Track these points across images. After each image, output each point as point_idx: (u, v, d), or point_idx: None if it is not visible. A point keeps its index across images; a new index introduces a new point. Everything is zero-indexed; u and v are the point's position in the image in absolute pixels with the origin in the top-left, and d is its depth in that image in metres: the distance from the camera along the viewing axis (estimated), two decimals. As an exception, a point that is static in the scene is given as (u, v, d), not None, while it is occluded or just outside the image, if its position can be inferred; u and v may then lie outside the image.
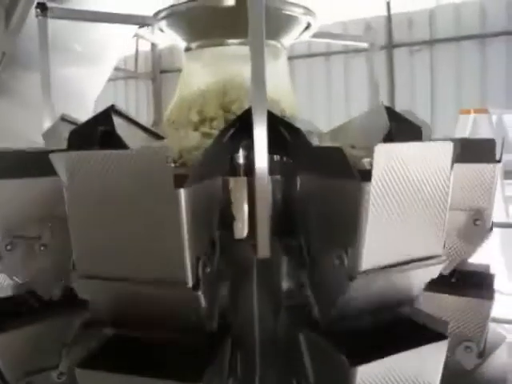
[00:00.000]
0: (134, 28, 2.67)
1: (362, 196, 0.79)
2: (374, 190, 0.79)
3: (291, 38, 1.61)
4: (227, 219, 1.01)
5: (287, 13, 1.47)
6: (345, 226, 0.84)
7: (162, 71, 8.10)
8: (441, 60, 6.02)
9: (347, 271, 0.81)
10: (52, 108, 1.41)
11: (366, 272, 0.80)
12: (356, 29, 6.51)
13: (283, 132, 1.01)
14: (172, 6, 1.42)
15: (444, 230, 0.87)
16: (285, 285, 1.04)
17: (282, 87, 1.57)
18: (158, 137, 1.25)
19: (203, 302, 0.81)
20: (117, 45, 3.11)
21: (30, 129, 1.82)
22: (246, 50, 1.50)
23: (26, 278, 1.10)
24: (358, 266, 0.79)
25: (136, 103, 8.49)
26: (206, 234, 0.90)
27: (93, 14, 1.51)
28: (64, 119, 1.42)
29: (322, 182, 0.91)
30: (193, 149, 1.09)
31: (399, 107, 5.37)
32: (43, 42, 1.37)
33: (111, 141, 1.04)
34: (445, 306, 1.13)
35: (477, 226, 1.15)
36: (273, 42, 1.52)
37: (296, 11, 1.49)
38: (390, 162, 0.79)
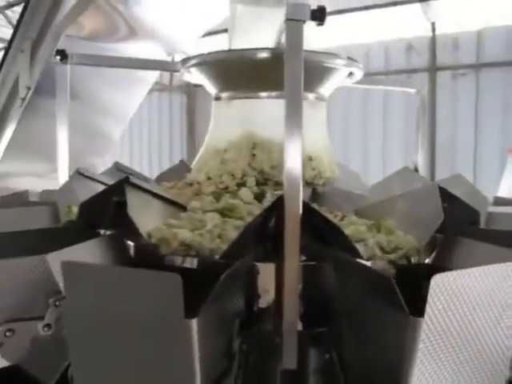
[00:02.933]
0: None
1: (411, 333, 0.64)
2: (427, 326, 0.64)
3: (331, 89, 1.48)
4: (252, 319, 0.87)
5: (328, 65, 1.34)
6: (387, 362, 0.69)
7: (196, 85, 8.09)
8: (487, 86, 5.72)
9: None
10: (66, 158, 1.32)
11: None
12: (398, 49, 6.31)
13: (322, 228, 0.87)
14: (201, 54, 1.31)
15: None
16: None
17: (320, 144, 1.43)
18: (178, 206, 1.13)
19: None
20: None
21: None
22: (279, 104, 1.40)
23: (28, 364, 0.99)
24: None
25: (169, 116, 8.49)
26: (223, 354, 0.77)
27: (116, 59, 1.42)
28: (80, 173, 1.34)
29: (363, 300, 0.76)
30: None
31: (440, 134, 5.14)
32: (63, 88, 1.29)
33: (122, 219, 0.93)
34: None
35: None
36: (311, 95, 1.39)
37: (338, 63, 1.36)
38: (448, 293, 0.64)
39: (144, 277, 0.66)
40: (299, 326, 0.82)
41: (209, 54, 1.32)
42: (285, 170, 0.82)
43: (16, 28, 1.89)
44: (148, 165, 8.76)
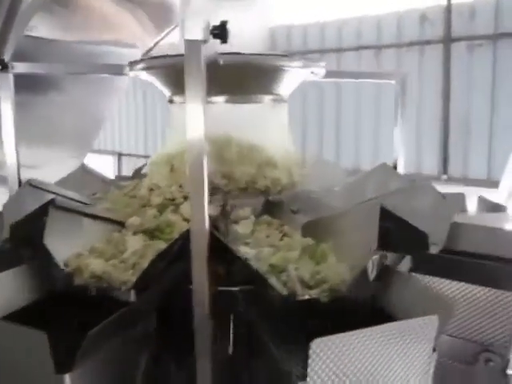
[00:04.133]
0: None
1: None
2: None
3: (290, 89, 1.40)
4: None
5: (282, 68, 1.26)
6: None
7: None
8: (506, 57, 5.42)
9: None
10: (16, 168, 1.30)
11: None
12: (410, 20, 6.01)
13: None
14: (150, 58, 1.25)
15: None
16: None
17: (278, 148, 1.36)
18: (116, 223, 1.09)
19: None
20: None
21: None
22: (232, 108, 1.34)
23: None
24: None
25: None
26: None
27: (62, 66, 1.37)
28: (31, 184, 1.31)
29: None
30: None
31: (454, 109, 4.92)
32: (7, 97, 1.25)
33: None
34: None
35: None
36: (268, 97, 1.32)
37: (292, 65, 1.28)
38: (330, 356, 0.59)
39: (14, 331, 0.64)
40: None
41: (156, 57, 1.26)
42: (191, 203, 0.78)
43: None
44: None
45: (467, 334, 0.97)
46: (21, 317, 0.79)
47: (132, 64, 1.27)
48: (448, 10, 5.74)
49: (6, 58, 1.58)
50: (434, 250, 1.07)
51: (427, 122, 6.00)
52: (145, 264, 0.86)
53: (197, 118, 0.77)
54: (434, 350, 0.68)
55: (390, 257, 1.07)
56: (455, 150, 6.01)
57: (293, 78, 1.32)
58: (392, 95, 1.72)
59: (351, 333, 0.58)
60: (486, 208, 1.58)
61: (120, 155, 10.39)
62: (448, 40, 5.80)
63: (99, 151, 9.83)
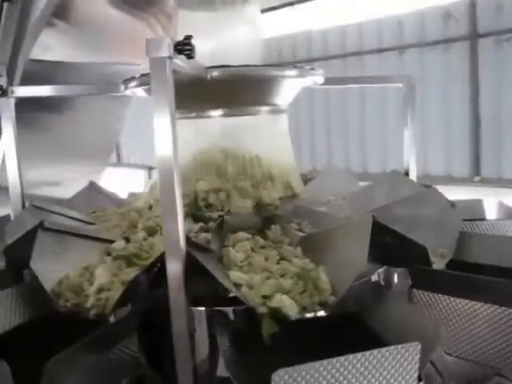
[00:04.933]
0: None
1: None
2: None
3: (288, 98, 1.37)
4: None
5: (278, 78, 1.23)
6: None
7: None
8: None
9: None
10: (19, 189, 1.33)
11: None
12: (433, 18, 5.85)
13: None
14: (142, 75, 1.25)
15: None
16: None
17: (276, 160, 1.33)
18: (107, 241, 1.09)
19: None
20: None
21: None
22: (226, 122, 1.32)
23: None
24: None
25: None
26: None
27: (59, 89, 1.38)
28: (34, 206, 1.33)
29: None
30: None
31: (483, 108, 4.75)
32: (8, 121, 1.28)
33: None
34: None
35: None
36: (265, 108, 1.30)
37: (288, 74, 1.25)
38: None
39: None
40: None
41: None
42: (163, 223, 0.76)
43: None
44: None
45: (476, 356, 0.88)
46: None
47: (125, 82, 1.28)
48: (473, 4, 5.56)
49: (16, 80, 1.63)
50: (440, 262, 1.01)
51: (455, 123, 5.81)
52: (113, 294, 0.85)
53: (165, 134, 0.75)
54: (420, 379, 0.63)
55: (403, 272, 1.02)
56: (487, 150, 5.77)
57: (288, 87, 1.29)
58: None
59: (317, 364, 0.54)
60: (507, 214, 1.49)
61: (150, 169, 10.57)
62: (474, 36, 5.60)
63: (130, 165, 10.04)
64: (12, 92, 1.25)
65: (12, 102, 1.27)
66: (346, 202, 1.47)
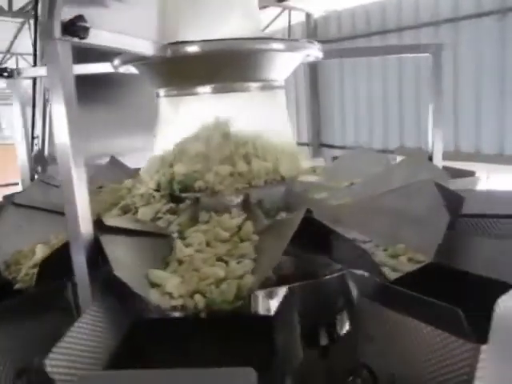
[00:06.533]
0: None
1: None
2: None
3: (283, 73, 1.26)
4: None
5: (265, 51, 1.14)
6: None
7: (318, 41, 7.65)
8: None
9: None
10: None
11: None
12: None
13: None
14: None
15: None
16: None
17: (272, 136, 1.24)
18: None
19: None
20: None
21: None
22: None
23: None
24: None
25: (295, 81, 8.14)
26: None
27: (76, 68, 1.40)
28: (41, 180, 1.42)
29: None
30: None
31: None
32: (17, 100, 1.37)
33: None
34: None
35: None
36: (255, 84, 1.21)
37: (276, 47, 1.14)
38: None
39: None
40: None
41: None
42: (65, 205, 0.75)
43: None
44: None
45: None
46: None
47: (117, 58, 1.27)
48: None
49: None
50: (410, 267, 0.88)
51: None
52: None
53: (61, 118, 0.73)
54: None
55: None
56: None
57: (279, 62, 1.19)
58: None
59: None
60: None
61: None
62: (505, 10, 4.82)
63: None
64: (19, 73, 1.32)
65: (20, 82, 1.35)
66: (359, 186, 1.37)
